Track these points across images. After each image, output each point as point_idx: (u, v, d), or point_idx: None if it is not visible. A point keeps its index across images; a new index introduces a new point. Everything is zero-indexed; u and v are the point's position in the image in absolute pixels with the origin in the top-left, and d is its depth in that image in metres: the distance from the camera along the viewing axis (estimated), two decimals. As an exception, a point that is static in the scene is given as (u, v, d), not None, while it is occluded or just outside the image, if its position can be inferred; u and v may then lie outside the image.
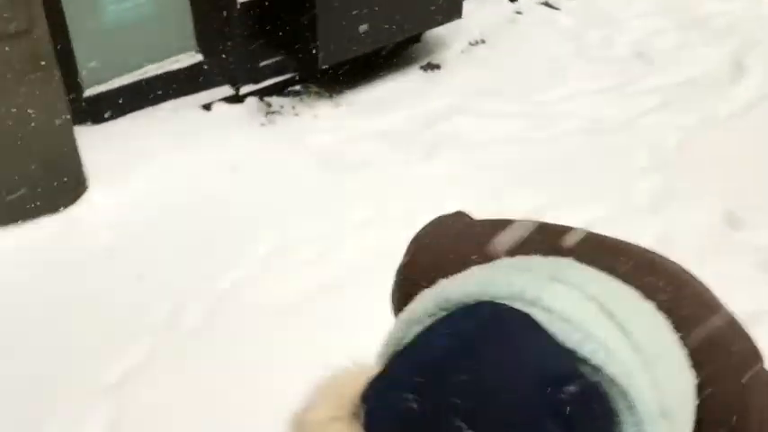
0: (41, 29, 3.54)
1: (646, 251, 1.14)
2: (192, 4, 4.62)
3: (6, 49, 3.44)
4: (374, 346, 3.06)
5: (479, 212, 3.85)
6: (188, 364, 2.91)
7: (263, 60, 4.94)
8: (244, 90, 4.93)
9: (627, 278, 1.05)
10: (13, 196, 3.71)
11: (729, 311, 1.09)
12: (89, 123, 4.39)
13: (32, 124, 3.61)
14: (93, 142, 4.12)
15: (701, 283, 1.10)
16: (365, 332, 3.00)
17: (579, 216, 3.59)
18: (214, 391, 2.81)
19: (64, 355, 2.93)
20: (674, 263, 1.13)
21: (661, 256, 1.14)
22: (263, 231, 3.73)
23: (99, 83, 4.45)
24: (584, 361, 0.88)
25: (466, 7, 5.06)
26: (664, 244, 3.34)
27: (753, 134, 4.19)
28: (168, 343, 3.01)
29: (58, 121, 3.73)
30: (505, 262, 1.08)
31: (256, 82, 4.97)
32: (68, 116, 3.80)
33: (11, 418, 2.66)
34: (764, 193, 3.61)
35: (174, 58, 4.72)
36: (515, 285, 0.95)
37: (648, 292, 1.05)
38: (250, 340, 3.04)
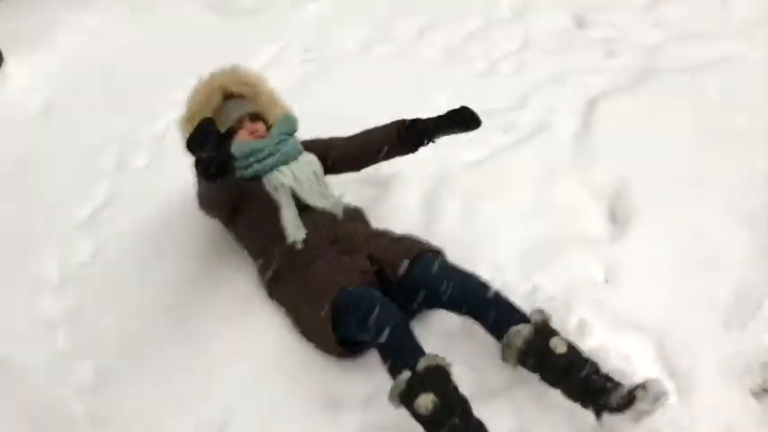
0: None
1: None
2: None
3: None
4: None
5: (371, 43, 4.24)
6: (145, 197, 3.37)
7: None
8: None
9: None
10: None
11: None
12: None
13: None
14: (-8, 17, 4.32)
15: None
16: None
17: (457, 32, 4.17)
18: (173, 215, 3.29)
19: (37, 202, 3.35)
20: None
21: None
22: (177, 80, 4.08)
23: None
24: None
25: None
26: (527, 46, 3.99)
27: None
28: (124, 182, 3.46)
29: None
30: None
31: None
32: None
33: (10, 254, 3.11)
34: (604, -6, 4.28)
35: None
36: None
37: None
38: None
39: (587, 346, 2.33)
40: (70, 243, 3.15)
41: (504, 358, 2.27)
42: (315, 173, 2.79)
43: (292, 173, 2.74)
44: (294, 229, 2.61)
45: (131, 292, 2.88)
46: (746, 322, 2.43)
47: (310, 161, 2.84)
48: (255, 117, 3.01)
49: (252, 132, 2.93)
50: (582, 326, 2.42)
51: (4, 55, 4.12)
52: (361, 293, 2.33)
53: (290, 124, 2.99)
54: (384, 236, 2.66)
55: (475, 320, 2.36)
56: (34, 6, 4.54)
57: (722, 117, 3.20)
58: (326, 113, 3.70)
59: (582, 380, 2.13)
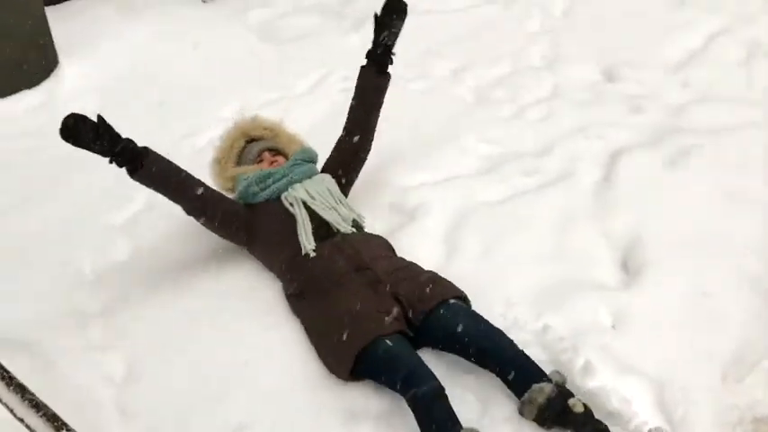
0: None
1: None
2: None
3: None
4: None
5: (405, 79, 4.43)
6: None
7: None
8: (182, -33, 5.30)
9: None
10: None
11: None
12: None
13: (14, 7, 3.98)
14: (51, 21, 4.52)
15: None
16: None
17: (488, 75, 4.32)
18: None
19: (79, 203, 3.52)
20: None
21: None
22: (221, 98, 4.29)
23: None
24: None
25: None
26: (556, 95, 4.13)
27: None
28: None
29: (33, 3, 4.09)
30: None
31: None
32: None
33: (52, 250, 3.28)
34: (634, 50, 4.40)
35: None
36: None
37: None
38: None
39: (590, 387, 2.44)
40: (109, 243, 3.31)
41: (522, 413, 2.38)
42: (328, 189, 3.04)
43: (305, 189, 2.99)
44: (305, 241, 2.82)
45: (164, 294, 3.02)
46: (743, 378, 2.53)
47: (324, 179, 3.09)
48: (276, 152, 3.32)
49: (271, 163, 3.25)
50: (587, 367, 2.50)
51: (60, 58, 4.31)
52: (399, 353, 2.45)
53: (306, 153, 3.26)
54: (408, 271, 2.76)
55: (495, 375, 2.47)
56: (92, 13, 4.74)
57: (738, 181, 3.31)
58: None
59: None
